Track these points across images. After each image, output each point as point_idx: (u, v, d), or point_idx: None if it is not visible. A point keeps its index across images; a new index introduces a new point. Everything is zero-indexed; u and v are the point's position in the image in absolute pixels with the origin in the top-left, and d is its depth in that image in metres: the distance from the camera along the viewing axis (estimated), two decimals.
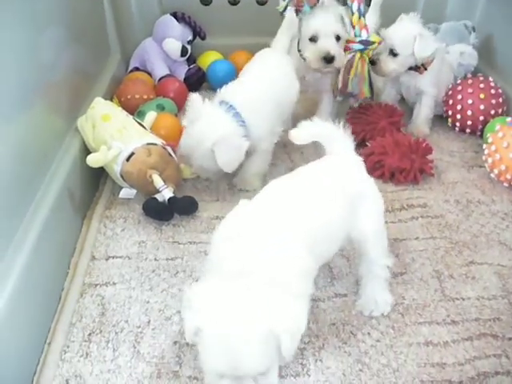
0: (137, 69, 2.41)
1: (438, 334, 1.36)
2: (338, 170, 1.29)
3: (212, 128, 1.64)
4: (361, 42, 1.99)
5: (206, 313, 0.97)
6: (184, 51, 2.39)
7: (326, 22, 1.88)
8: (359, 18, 1.98)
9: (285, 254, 1.08)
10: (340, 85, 2.03)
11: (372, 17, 2.16)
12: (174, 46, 2.37)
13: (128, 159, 1.65)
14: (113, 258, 1.56)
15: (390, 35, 2.05)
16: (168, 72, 2.37)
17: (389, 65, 2.08)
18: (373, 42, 2.00)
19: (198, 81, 2.42)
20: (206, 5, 2.55)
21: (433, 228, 1.70)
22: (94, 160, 1.62)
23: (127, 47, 2.49)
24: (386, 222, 1.67)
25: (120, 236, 1.64)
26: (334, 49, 1.89)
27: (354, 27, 2.01)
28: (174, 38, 2.36)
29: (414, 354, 1.30)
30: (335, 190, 1.24)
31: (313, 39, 1.90)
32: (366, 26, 2.00)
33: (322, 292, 1.46)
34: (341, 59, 1.92)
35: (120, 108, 1.85)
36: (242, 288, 0.99)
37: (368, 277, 1.38)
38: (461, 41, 2.32)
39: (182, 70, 2.41)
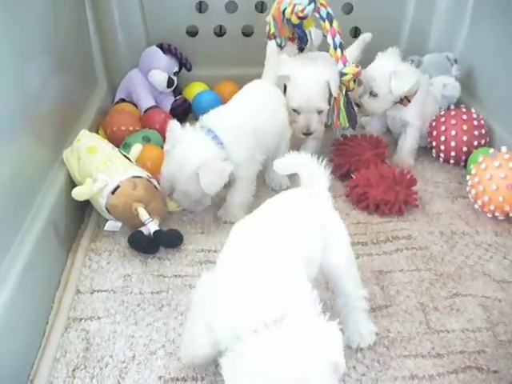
0: (123, 100, 2.42)
1: (423, 367, 1.36)
2: (307, 203, 1.32)
3: (194, 151, 1.66)
4: None
5: None
6: (170, 82, 2.41)
7: (309, 99, 1.92)
8: (334, 49, 2.01)
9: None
10: None
11: (354, 51, 2.21)
12: (160, 77, 2.38)
13: (113, 192, 1.65)
14: (98, 291, 1.55)
15: (368, 76, 2.10)
16: (154, 103, 2.39)
17: (371, 105, 2.14)
18: (346, 74, 2.00)
19: (184, 112, 2.43)
20: (192, 36, 2.58)
21: (417, 260, 1.71)
22: (79, 193, 1.62)
23: (114, 78, 2.51)
24: (371, 255, 1.72)
25: (105, 269, 1.63)
26: (314, 124, 1.96)
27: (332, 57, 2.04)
28: (160, 69, 2.38)
29: None
30: (310, 219, 1.28)
31: (295, 111, 1.95)
32: (342, 58, 2.01)
33: None
34: (319, 131, 1.99)
35: (106, 140, 1.85)
36: None
37: (347, 310, 1.39)
38: (443, 73, 2.37)
39: (167, 101, 2.43)
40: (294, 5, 2.01)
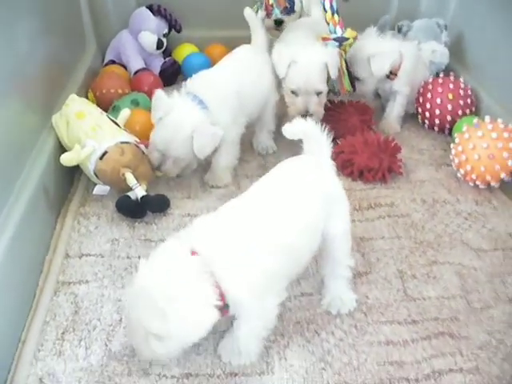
0: (112, 61, 2.42)
1: (399, 333, 1.42)
2: (313, 171, 1.36)
3: (188, 116, 1.70)
4: (335, 39, 2.02)
5: None
6: (159, 44, 2.41)
7: (308, 80, 1.90)
8: (332, 15, 2.02)
9: None
10: None
11: None
12: (149, 39, 2.38)
13: (101, 158, 1.68)
14: (86, 255, 1.60)
15: (349, 61, 2.12)
16: (143, 65, 2.39)
17: (358, 88, 2.16)
18: (347, 38, 2.02)
19: (174, 73, 2.44)
20: None
21: (399, 227, 1.76)
22: (67, 159, 1.65)
23: (103, 39, 2.50)
24: (354, 221, 1.75)
25: (93, 234, 1.67)
26: (313, 106, 1.93)
27: (328, 24, 2.04)
28: (150, 31, 2.38)
29: (374, 353, 1.37)
30: (314, 190, 1.33)
31: (294, 92, 1.93)
32: (339, 23, 2.02)
33: (289, 291, 1.49)
34: (318, 114, 1.95)
35: (94, 105, 1.86)
36: None
37: (331, 276, 1.45)
38: (433, 38, 2.38)
39: (157, 63, 2.43)
40: None
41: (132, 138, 1.76)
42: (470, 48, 2.37)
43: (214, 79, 1.83)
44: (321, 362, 1.34)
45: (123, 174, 1.69)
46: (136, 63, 2.38)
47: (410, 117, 2.30)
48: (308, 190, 1.32)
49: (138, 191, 1.69)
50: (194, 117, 1.69)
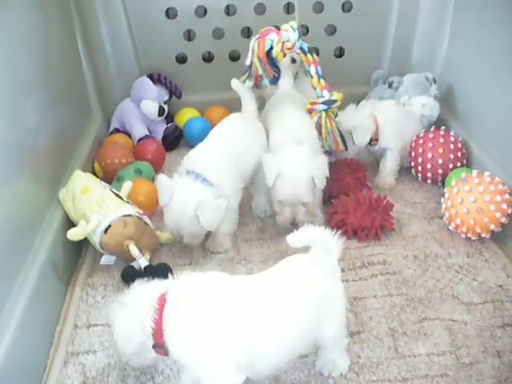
0: (117, 130, 2.55)
1: None
2: (311, 270, 1.37)
3: (189, 197, 1.80)
4: (324, 102, 2.12)
5: None
6: (161, 111, 2.54)
7: (293, 193, 1.91)
8: (318, 80, 2.12)
9: None
10: None
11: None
12: (151, 106, 2.52)
13: (106, 231, 1.79)
14: (94, 325, 1.69)
15: None
16: (147, 132, 2.52)
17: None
18: (335, 100, 2.13)
19: (176, 139, 2.57)
20: (182, 63, 2.69)
21: (391, 285, 1.82)
22: (74, 234, 1.76)
23: (108, 108, 2.64)
24: (348, 281, 1.83)
25: (101, 303, 1.77)
26: (300, 216, 1.95)
27: (315, 88, 2.14)
28: (151, 99, 2.51)
29: None
30: (309, 290, 1.34)
31: (281, 202, 1.96)
32: (326, 87, 2.13)
33: None
34: (305, 223, 1.97)
35: (98, 180, 1.97)
36: None
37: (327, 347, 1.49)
38: (422, 92, 2.47)
39: (160, 129, 2.56)
40: (283, 42, 2.06)
41: (134, 210, 1.87)
42: (461, 100, 2.45)
43: (209, 153, 1.93)
44: None
45: (127, 246, 1.79)
46: (139, 130, 2.51)
47: (406, 170, 2.39)
48: (301, 291, 1.33)
49: (142, 261, 1.79)
50: (195, 196, 1.79)
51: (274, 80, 2.24)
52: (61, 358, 1.59)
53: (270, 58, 2.13)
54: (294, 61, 2.30)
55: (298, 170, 1.90)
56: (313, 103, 2.13)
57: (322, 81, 2.13)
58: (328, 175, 1.97)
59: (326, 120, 2.13)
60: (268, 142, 2.07)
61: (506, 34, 2.01)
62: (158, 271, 1.80)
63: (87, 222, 1.79)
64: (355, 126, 2.23)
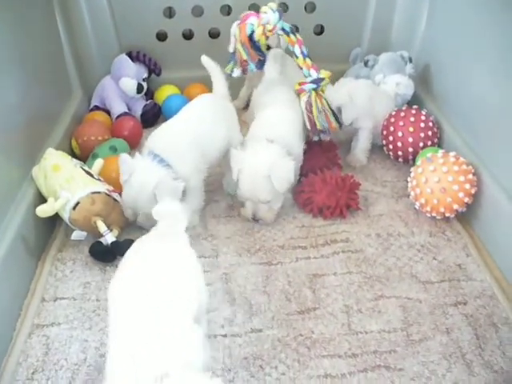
0: (97, 107, 2.59)
1: (338, 366, 1.53)
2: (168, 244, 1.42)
3: (148, 176, 1.84)
4: (312, 81, 2.13)
5: None
6: (140, 88, 2.57)
7: (252, 190, 1.92)
8: (304, 59, 2.13)
9: None
10: (309, 126, 2.15)
11: (272, 71, 2.28)
12: (129, 84, 2.54)
13: (74, 208, 1.84)
14: (60, 299, 1.75)
15: None
16: (125, 109, 2.56)
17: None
18: (323, 78, 2.14)
19: (154, 116, 2.60)
20: (162, 40, 2.71)
21: (351, 263, 1.87)
22: (42, 211, 1.81)
23: (89, 85, 2.67)
24: (309, 258, 1.89)
25: (68, 277, 1.83)
26: (261, 213, 1.97)
27: (301, 69, 2.15)
28: (130, 76, 2.54)
29: None
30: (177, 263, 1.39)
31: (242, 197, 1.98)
32: (312, 65, 2.14)
33: (240, 328, 1.64)
34: (267, 220, 1.99)
35: (70, 158, 2.01)
36: None
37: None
38: (397, 71, 2.48)
39: (139, 106, 2.60)
40: (264, 25, 2.08)
41: (104, 187, 1.92)
42: (436, 79, 2.46)
43: (169, 134, 1.97)
44: None
45: (94, 222, 1.85)
46: (118, 107, 2.54)
47: (378, 149, 2.42)
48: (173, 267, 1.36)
49: (108, 237, 1.85)
50: (154, 176, 1.83)
51: (260, 64, 2.25)
52: (26, 329, 1.65)
53: (252, 43, 2.15)
54: (268, 48, 2.29)
55: (258, 168, 1.89)
56: (301, 83, 2.14)
57: (307, 60, 2.13)
58: (293, 180, 1.97)
59: (316, 99, 2.13)
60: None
61: (486, 12, 2.00)
62: (125, 247, 1.85)
63: (57, 198, 1.84)
64: (342, 104, 2.24)
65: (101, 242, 1.87)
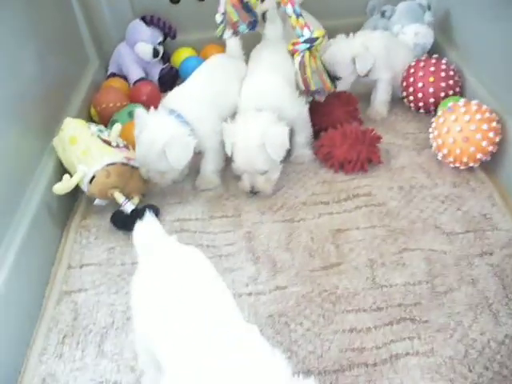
0: (114, 74, 2.58)
1: (363, 320, 1.53)
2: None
3: (159, 132, 1.83)
4: (305, 41, 2.05)
5: None
6: (155, 53, 2.56)
7: (247, 162, 1.89)
8: (297, 18, 2.05)
9: None
10: (303, 87, 2.10)
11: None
12: (145, 49, 2.53)
13: (91, 181, 1.85)
14: (86, 265, 1.79)
15: (329, 61, 2.20)
16: (143, 75, 2.55)
17: (339, 87, 2.24)
18: (317, 38, 2.06)
19: (172, 79, 2.59)
20: (175, 3, 2.68)
21: (374, 216, 1.85)
22: (59, 189, 1.82)
23: (105, 52, 2.67)
24: (332, 213, 1.88)
25: (93, 244, 1.86)
26: (259, 185, 1.93)
27: (294, 28, 2.08)
28: (145, 41, 2.53)
29: (338, 341, 1.49)
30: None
31: (238, 170, 1.95)
32: (306, 24, 2.06)
33: (265, 286, 1.66)
34: (265, 191, 1.95)
35: (87, 126, 1.99)
36: None
37: None
38: (415, 20, 2.42)
39: (156, 70, 2.59)
40: None
41: (121, 156, 1.91)
42: (457, 26, 2.38)
43: (188, 92, 1.97)
44: (287, 352, 1.47)
45: (111, 194, 1.87)
46: (135, 73, 2.54)
47: (399, 101, 2.37)
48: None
49: (128, 206, 1.86)
50: (165, 131, 1.82)
51: (252, 26, 2.18)
52: (55, 296, 1.69)
53: (243, 4, 2.10)
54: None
55: (250, 139, 1.85)
56: (294, 43, 2.07)
57: (300, 19, 2.05)
58: (288, 145, 1.93)
59: (310, 59, 2.07)
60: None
61: None
62: (144, 213, 1.88)
63: (75, 172, 1.86)
64: (358, 54, 2.20)
65: (122, 211, 1.88)
